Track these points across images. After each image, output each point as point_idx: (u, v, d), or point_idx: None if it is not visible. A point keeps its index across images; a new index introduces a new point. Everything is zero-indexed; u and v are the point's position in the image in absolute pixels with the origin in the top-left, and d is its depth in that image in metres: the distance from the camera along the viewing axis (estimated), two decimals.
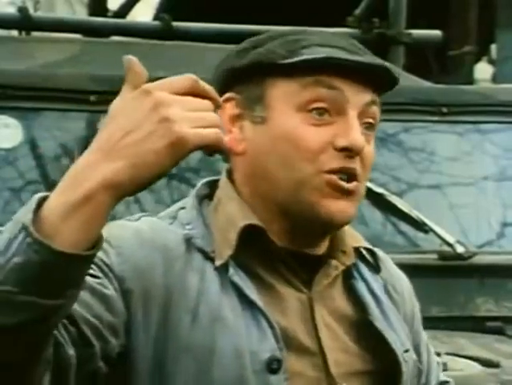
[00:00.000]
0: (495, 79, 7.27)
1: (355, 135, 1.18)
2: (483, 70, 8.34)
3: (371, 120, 1.21)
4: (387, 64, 1.21)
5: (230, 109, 1.22)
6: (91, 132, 2.56)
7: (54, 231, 0.97)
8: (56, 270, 0.96)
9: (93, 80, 2.56)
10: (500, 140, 2.84)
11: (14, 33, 3.38)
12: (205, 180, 1.27)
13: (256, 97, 1.21)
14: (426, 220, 2.60)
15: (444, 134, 2.78)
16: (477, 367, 2.16)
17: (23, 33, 3.22)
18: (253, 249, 1.20)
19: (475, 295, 2.60)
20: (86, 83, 2.56)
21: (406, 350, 1.25)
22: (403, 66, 3.12)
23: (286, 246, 1.21)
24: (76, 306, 1.06)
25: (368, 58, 1.20)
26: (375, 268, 1.28)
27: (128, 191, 0.99)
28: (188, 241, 1.19)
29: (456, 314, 2.58)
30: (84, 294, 1.08)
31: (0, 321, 0.96)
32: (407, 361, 1.24)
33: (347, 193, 1.18)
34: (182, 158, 1.00)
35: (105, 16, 6.56)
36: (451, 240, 2.60)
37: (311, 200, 1.18)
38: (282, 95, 1.19)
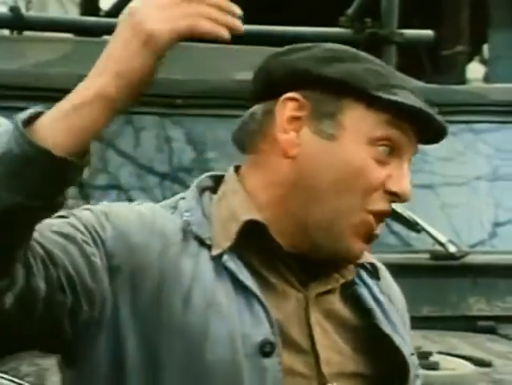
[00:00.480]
0: (487, 78, 7.29)
1: (407, 184, 1.20)
2: (475, 70, 8.36)
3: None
4: (447, 125, 1.24)
5: (292, 110, 1.20)
6: None
7: (44, 133, 1.04)
8: (34, 167, 1.02)
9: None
10: (493, 140, 2.84)
11: (6, 32, 3.37)
12: (208, 173, 1.27)
13: (328, 112, 1.19)
14: (418, 220, 2.60)
15: None
16: (469, 367, 2.17)
17: (15, 32, 3.21)
18: (252, 245, 1.20)
19: (467, 295, 2.60)
20: (78, 83, 2.54)
21: (411, 354, 1.26)
22: (395, 66, 3.12)
23: (287, 247, 1.21)
24: (61, 254, 1.11)
25: (438, 116, 1.23)
26: (375, 276, 1.29)
27: (118, 101, 1.06)
28: (186, 227, 1.20)
29: (448, 313, 2.58)
30: (73, 251, 1.12)
31: None
32: (413, 363, 1.25)
33: (373, 239, 1.21)
34: (161, 54, 1.05)
35: (97, 15, 6.55)
36: (443, 239, 2.60)
37: (342, 233, 1.18)
38: (357, 122, 1.19)
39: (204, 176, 1.26)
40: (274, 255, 1.21)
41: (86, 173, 1.02)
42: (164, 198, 2.53)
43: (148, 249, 1.17)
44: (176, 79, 2.60)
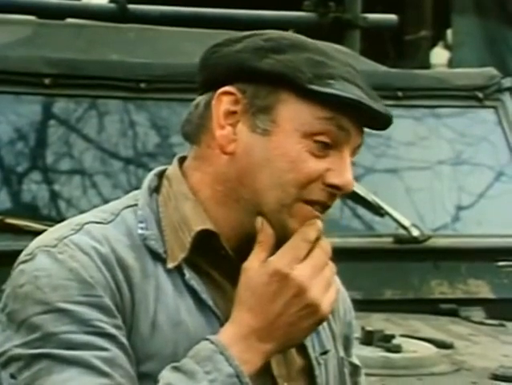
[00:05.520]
0: (451, 63, 7.33)
1: (349, 176, 1.18)
2: (439, 55, 8.39)
3: (353, 160, 1.21)
4: (391, 114, 1.21)
5: (227, 103, 1.18)
6: (46, 116, 2.54)
7: None
8: None
9: (48, 63, 2.53)
10: (455, 125, 2.87)
11: None
12: (155, 170, 1.25)
13: (264, 106, 1.17)
14: (382, 204, 2.62)
15: (400, 118, 2.80)
16: (431, 349, 2.19)
17: None
18: (204, 250, 1.19)
19: (429, 278, 2.63)
20: (40, 66, 2.53)
21: (324, 352, 1.26)
22: (359, 51, 3.13)
23: (236, 251, 1.20)
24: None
25: (381, 105, 1.20)
26: None
27: None
28: (139, 242, 1.17)
29: (410, 296, 2.60)
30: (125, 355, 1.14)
31: None
32: (320, 363, 1.25)
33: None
34: None
35: None
36: (406, 223, 2.62)
37: (292, 227, 1.17)
38: (292, 117, 1.17)
39: (151, 174, 1.24)
40: (225, 259, 1.19)
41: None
42: (129, 183, 2.53)
43: (120, 288, 1.15)
44: (141, 62, 2.58)
